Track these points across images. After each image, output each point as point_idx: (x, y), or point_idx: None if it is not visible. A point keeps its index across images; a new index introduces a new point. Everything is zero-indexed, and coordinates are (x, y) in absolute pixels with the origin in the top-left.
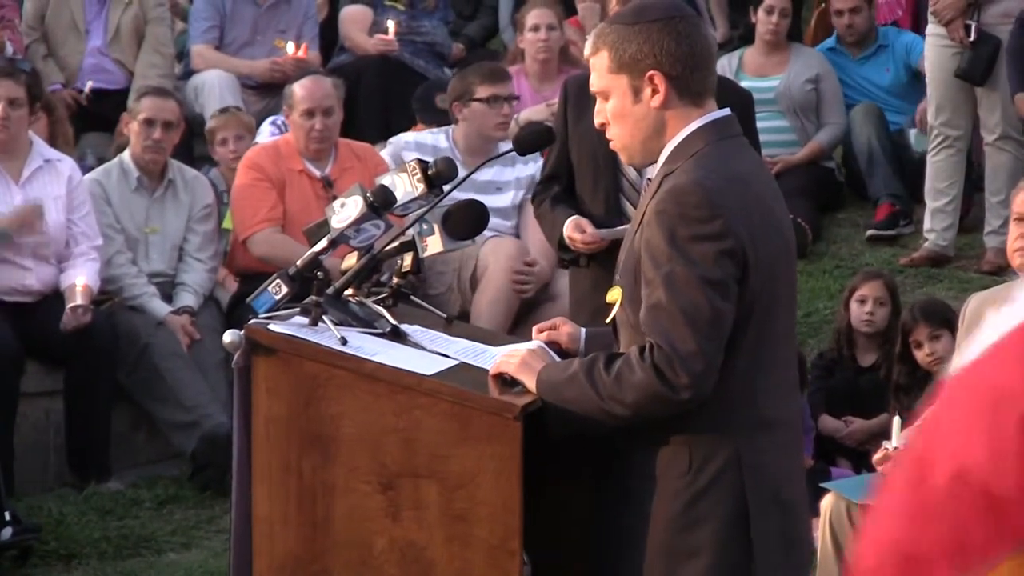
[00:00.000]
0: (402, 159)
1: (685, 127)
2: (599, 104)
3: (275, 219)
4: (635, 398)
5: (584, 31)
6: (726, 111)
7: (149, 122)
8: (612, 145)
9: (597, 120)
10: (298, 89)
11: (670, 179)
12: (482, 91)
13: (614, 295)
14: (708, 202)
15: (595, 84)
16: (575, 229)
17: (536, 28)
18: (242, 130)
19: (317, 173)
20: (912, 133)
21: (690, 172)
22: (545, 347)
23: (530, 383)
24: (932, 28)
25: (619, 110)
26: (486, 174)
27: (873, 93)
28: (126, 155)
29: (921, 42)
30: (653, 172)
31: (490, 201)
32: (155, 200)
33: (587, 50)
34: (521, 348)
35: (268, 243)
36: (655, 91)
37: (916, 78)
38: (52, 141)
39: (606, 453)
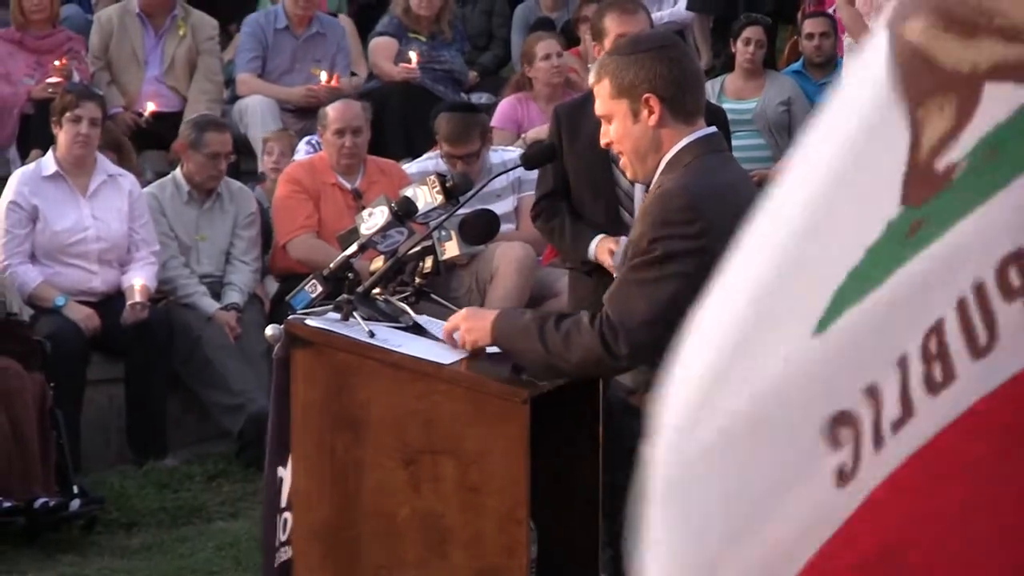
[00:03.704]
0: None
1: (678, 143)
2: (604, 126)
3: (311, 226)
4: (579, 358)
5: (585, 60)
6: (712, 129)
7: (215, 155)
8: (622, 163)
9: (603, 141)
10: (331, 111)
11: (661, 186)
12: (443, 146)
13: None
14: (690, 206)
15: (600, 109)
16: (608, 254)
17: (548, 56)
18: (287, 148)
19: (348, 186)
20: None
21: (678, 180)
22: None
23: (482, 332)
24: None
25: (621, 131)
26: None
27: None
28: (178, 172)
29: None
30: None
31: (492, 208)
32: (204, 211)
33: (591, 78)
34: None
35: (305, 247)
36: (651, 112)
37: None
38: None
39: (611, 424)
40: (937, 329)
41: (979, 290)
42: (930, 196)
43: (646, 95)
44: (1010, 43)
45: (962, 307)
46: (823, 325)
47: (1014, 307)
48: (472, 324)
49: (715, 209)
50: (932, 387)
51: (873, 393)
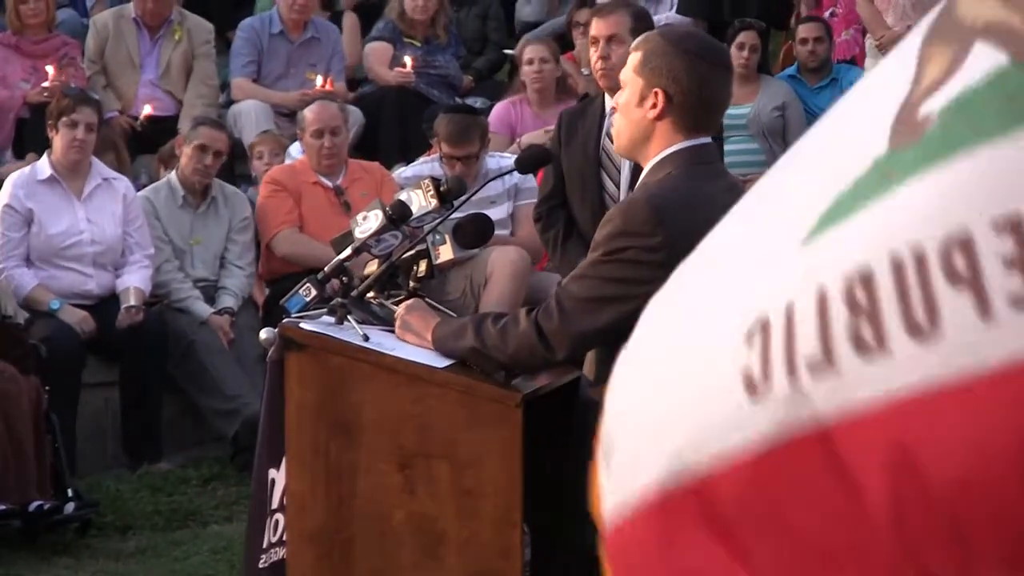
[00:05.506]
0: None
1: (668, 147)
2: (619, 92)
3: (293, 221)
4: (515, 348)
5: (579, 65)
6: (706, 139)
7: (203, 148)
8: (614, 130)
9: (613, 101)
10: (308, 113)
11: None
12: (443, 147)
13: None
14: (651, 219)
15: (623, 73)
16: None
17: (531, 62)
18: (277, 148)
19: (329, 184)
20: None
21: (648, 190)
22: (421, 301)
23: (422, 329)
24: (873, 63)
25: (625, 105)
26: (480, 190)
27: None
28: (173, 176)
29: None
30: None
31: (487, 214)
32: (199, 215)
33: (634, 43)
34: (400, 310)
35: (289, 241)
36: (654, 106)
37: None
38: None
39: (583, 424)
40: (865, 281)
41: (920, 262)
42: (905, 144)
43: (657, 89)
44: (1005, 5)
45: (898, 270)
46: (810, 238)
47: (961, 296)
48: (416, 321)
49: (682, 223)
50: (861, 346)
51: (789, 314)
